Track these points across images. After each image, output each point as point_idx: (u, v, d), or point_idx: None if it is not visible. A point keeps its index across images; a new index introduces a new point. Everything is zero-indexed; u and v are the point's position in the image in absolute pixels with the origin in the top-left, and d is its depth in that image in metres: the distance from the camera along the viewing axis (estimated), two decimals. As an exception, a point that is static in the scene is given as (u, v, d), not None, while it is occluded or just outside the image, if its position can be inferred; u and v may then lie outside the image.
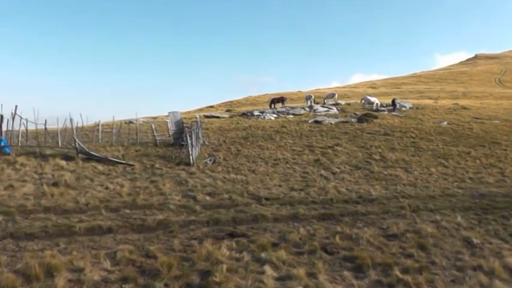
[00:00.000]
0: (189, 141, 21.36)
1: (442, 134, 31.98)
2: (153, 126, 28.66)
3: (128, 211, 12.53)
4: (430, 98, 59.98)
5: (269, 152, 24.65)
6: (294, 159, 23.01)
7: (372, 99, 48.88)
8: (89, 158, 20.35)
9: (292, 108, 46.92)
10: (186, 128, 25.20)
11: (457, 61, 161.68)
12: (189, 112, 57.50)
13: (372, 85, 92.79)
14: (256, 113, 44.19)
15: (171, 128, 28.36)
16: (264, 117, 41.55)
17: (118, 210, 12.67)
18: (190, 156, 20.86)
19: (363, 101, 49.89)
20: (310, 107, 47.14)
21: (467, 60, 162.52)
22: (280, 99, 50.28)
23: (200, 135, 27.17)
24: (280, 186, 16.79)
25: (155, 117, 49.57)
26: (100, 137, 27.92)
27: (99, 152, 21.98)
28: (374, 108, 47.61)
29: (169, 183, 16.57)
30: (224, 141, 28.25)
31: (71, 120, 23.05)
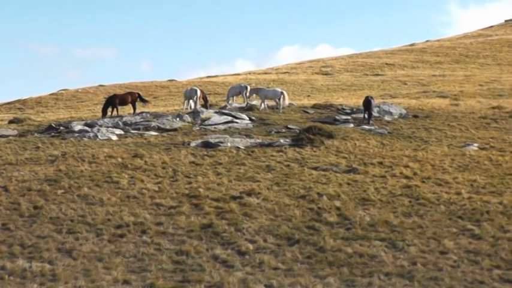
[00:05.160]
0: None
1: (468, 171, 33.44)
2: None
3: None
4: (444, 96, 62.14)
5: (105, 211, 24.68)
6: (158, 224, 23.18)
7: (269, 90, 52.14)
8: None
9: (157, 116, 47.40)
10: None
11: (500, 20, 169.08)
12: None
13: (323, 68, 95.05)
14: (78, 126, 43.84)
15: None
16: (97, 136, 41.18)
17: None
18: None
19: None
20: (195, 113, 47.59)
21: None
22: (130, 98, 50.39)
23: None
24: (127, 283, 16.99)
25: None
26: None
27: None
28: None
29: None
30: (5, 189, 27.87)
31: None
